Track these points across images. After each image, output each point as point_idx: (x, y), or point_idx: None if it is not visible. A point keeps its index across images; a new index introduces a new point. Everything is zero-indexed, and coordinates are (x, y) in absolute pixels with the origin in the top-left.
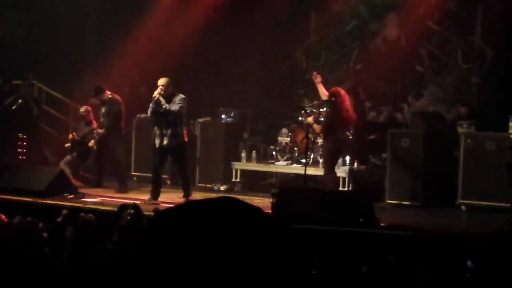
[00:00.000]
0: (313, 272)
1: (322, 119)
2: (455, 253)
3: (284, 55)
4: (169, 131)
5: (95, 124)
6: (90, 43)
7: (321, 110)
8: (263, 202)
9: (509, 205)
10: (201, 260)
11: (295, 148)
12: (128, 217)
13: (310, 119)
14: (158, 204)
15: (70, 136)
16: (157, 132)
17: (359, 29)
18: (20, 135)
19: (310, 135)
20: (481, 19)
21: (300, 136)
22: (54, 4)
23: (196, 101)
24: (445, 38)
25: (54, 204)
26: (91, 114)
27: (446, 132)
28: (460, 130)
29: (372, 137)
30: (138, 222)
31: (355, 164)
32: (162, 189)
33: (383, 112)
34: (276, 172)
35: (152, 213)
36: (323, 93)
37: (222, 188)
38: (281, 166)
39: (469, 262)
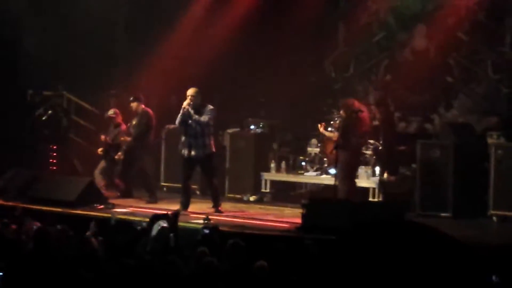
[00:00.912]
0: None
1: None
2: (486, 264)
3: (312, 66)
4: (198, 142)
5: (123, 127)
6: (119, 53)
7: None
8: (293, 213)
9: None
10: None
11: (325, 159)
12: (159, 228)
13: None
14: (188, 214)
15: (102, 137)
16: (185, 142)
17: (387, 39)
18: (50, 145)
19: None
20: (511, 30)
21: (330, 147)
22: (82, 15)
23: (225, 111)
24: (474, 48)
25: (84, 214)
26: (120, 116)
27: (476, 143)
28: (490, 140)
29: (402, 147)
30: (171, 232)
31: (385, 174)
32: (191, 199)
33: (412, 122)
34: (306, 183)
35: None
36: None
37: (251, 198)
38: (311, 177)
39: (494, 277)
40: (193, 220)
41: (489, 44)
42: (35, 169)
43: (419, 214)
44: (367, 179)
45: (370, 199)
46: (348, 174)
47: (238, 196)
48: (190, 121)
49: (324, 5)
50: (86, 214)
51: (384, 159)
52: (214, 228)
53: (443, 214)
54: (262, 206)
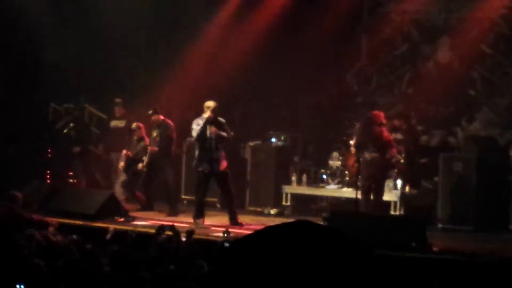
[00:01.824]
0: None
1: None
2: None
3: (335, 79)
4: (217, 156)
5: (147, 141)
6: (140, 66)
7: None
8: None
9: None
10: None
11: (346, 172)
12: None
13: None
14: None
15: (124, 152)
16: (204, 157)
17: (410, 52)
18: (71, 158)
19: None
20: None
21: (351, 160)
22: (104, 28)
23: (246, 124)
24: (498, 61)
25: (104, 227)
26: (143, 130)
27: (499, 156)
28: None
29: (424, 160)
30: (175, 241)
31: (407, 188)
32: (212, 213)
33: (435, 135)
34: (327, 196)
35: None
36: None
37: (272, 212)
38: (332, 190)
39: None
40: (213, 233)
41: None
42: (56, 182)
43: (440, 227)
44: (388, 192)
45: (392, 212)
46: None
47: (259, 209)
48: (208, 135)
49: (347, 17)
50: (106, 227)
51: (406, 172)
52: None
53: (464, 228)
54: (283, 219)
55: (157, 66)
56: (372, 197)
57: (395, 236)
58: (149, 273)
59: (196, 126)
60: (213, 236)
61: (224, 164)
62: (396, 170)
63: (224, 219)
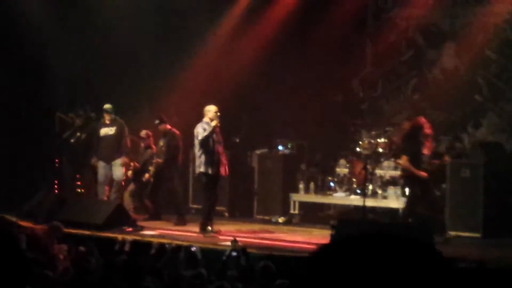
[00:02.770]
0: None
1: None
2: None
3: (340, 85)
4: (223, 160)
5: (154, 149)
6: (145, 75)
7: (378, 140)
8: (322, 234)
9: None
10: None
11: (354, 179)
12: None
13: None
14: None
15: (132, 164)
16: (211, 160)
17: (416, 58)
18: (79, 168)
19: (368, 166)
20: None
21: (358, 167)
22: (109, 37)
23: (253, 132)
24: (503, 66)
25: (112, 237)
26: (151, 139)
27: (506, 162)
28: None
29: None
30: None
31: None
32: (220, 222)
33: (442, 142)
34: (335, 204)
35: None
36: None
37: (280, 220)
38: (340, 198)
39: None
40: (221, 242)
41: None
42: (63, 192)
43: (448, 234)
44: (396, 199)
45: (400, 219)
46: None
47: (267, 217)
48: (215, 139)
49: (352, 23)
50: (114, 237)
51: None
52: (242, 251)
53: (473, 234)
54: (291, 228)
55: (162, 75)
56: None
57: None
58: None
59: (202, 130)
60: (221, 245)
61: (225, 168)
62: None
63: (232, 228)
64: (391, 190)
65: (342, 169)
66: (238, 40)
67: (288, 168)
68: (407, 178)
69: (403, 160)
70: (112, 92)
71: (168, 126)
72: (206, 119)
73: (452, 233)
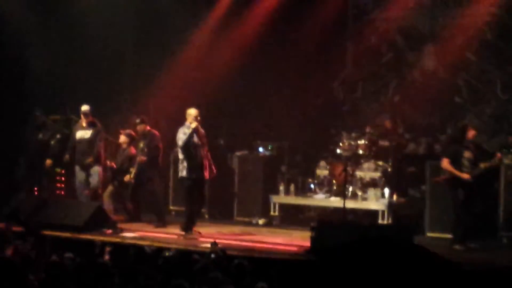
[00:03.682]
0: None
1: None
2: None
3: (321, 87)
4: (204, 163)
5: (133, 150)
6: (127, 77)
7: (358, 142)
8: (302, 236)
9: None
10: None
11: (334, 181)
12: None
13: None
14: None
15: (108, 164)
16: (195, 164)
17: (396, 60)
18: (58, 170)
19: (348, 168)
20: None
21: (338, 169)
22: (90, 38)
23: (233, 134)
24: (483, 68)
25: (92, 239)
26: (131, 140)
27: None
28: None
29: (411, 169)
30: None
31: (394, 196)
32: (200, 224)
33: (422, 143)
34: (315, 206)
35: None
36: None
37: (260, 222)
38: (320, 199)
39: None
40: (201, 244)
41: (498, 64)
42: (43, 194)
43: (428, 236)
44: (376, 201)
45: (380, 221)
46: None
47: (247, 219)
48: (196, 143)
49: (332, 25)
50: (94, 238)
51: (393, 181)
52: (221, 253)
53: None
54: (271, 229)
55: (143, 77)
56: None
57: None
58: None
59: (183, 135)
60: (201, 247)
61: (208, 172)
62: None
63: (213, 230)
64: (371, 191)
65: (323, 171)
66: (219, 41)
67: (269, 170)
68: (449, 181)
69: (445, 163)
70: (93, 94)
71: (148, 127)
72: (187, 122)
73: (432, 234)
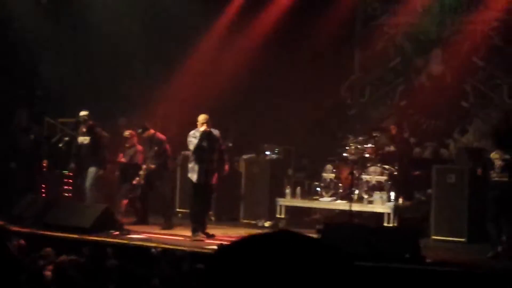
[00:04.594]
0: None
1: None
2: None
3: (328, 92)
4: (213, 167)
5: (139, 147)
6: (135, 82)
7: (365, 146)
8: None
9: None
10: None
11: (340, 184)
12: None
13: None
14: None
15: (118, 159)
16: (201, 169)
17: (403, 65)
18: (66, 172)
19: (355, 171)
20: None
21: (345, 172)
22: (100, 44)
23: (240, 138)
24: (490, 73)
25: (99, 241)
26: (135, 138)
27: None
28: None
29: (417, 173)
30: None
31: (400, 200)
32: (207, 226)
33: (428, 148)
34: (321, 209)
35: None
36: None
37: (266, 224)
38: (326, 202)
39: None
40: (207, 246)
41: (505, 69)
42: (51, 196)
43: (434, 239)
44: (382, 204)
45: (385, 224)
46: None
47: (253, 221)
48: (205, 147)
49: (340, 30)
50: (102, 240)
51: (399, 184)
52: None
53: (457, 239)
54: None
55: (152, 81)
56: None
57: (389, 248)
58: None
59: (194, 138)
60: (208, 249)
61: (216, 176)
62: (389, 182)
63: (219, 232)
64: (377, 195)
65: (329, 174)
66: (228, 45)
67: (275, 173)
68: None
69: None
70: (101, 98)
71: (152, 131)
72: (198, 127)
73: (438, 237)
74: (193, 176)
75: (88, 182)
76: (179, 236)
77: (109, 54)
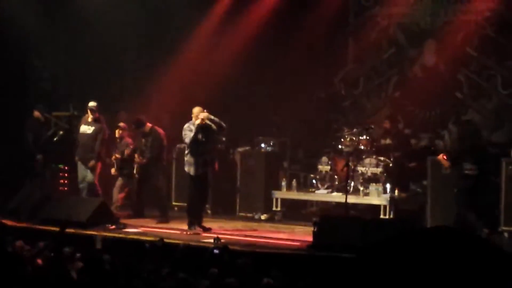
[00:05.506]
0: None
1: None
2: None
3: (322, 83)
4: (208, 159)
5: (129, 140)
6: (129, 74)
7: (360, 138)
8: (304, 231)
9: None
10: None
11: (335, 176)
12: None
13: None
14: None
15: (113, 157)
16: (197, 160)
17: (397, 56)
18: (61, 166)
19: (350, 163)
20: None
21: (340, 164)
22: (92, 36)
23: (235, 130)
24: (484, 64)
25: (95, 235)
26: (126, 132)
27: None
28: None
29: (412, 164)
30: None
31: (396, 191)
32: (203, 219)
33: (423, 139)
34: (317, 201)
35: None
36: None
37: (262, 217)
38: (322, 195)
39: None
40: (204, 239)
41: (499, 59)
42: (46, 190)
43: None
44: (378, 196)
45: (381, 216)
46: None
47: (249, 214)
48: (200, 140)
49: (334, 22)
50: (98, 234)
51: (395, 176)
52: (224, 248)
53: None
54: (273, 225)
55: (146, 73)
56: None
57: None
58: None
59: (189, 131)
60: (203, 242)
61: (214, 167)
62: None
63: (215, 225)
64: (372, 187)
65: (324, 167)
66: (221, 37)
67: (271, 165)
68: None
69: None
70: (96, 91)
71: (149, 125)
72: (193, 120)
73: None
74: (191, 169)
75: (89, 175)
76: (175, 230)
77: (103, 48)
